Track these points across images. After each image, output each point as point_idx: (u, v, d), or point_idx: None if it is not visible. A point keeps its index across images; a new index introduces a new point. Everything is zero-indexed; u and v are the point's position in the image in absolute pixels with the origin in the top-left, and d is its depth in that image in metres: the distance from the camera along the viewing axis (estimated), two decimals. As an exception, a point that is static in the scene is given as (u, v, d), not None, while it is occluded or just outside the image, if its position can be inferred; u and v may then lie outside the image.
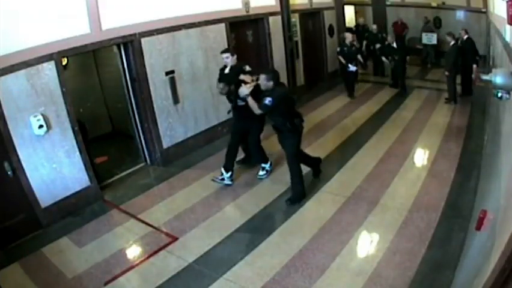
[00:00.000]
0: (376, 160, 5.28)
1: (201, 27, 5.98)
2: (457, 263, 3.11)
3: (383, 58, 9.10)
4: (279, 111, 4.09)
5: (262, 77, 4.03)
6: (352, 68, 8.36)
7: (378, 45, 9.63)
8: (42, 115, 4.05)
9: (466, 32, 7.86)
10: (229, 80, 4.60)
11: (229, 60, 4.80)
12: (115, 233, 4.11)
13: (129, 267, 3.52)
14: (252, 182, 4.93)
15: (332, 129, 6.68)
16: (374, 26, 10.47)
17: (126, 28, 4.87)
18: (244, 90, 4.21)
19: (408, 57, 9.19)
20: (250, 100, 4.16)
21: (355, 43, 8.82)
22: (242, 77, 4.48)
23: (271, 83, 4.00)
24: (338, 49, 8.63)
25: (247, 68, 4.69)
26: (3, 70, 3.71)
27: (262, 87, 4.07)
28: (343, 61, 8.40)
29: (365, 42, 10.49)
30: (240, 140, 4.94)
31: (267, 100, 3.96)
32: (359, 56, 8.64)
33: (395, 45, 8.69)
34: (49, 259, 3.69)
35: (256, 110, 4.12)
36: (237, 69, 4.70)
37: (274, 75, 4.08)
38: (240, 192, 4.73)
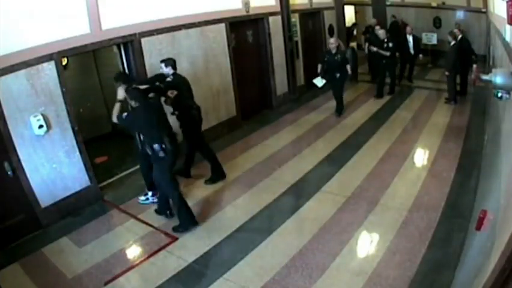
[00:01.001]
0: (376, 160, 5.28)
1: (201, 27, 5.98)
2: (457, 263, 3.11)
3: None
4: (139, 131, 3.88)
5: (128, 93, 3.81)
6: (317, 81, 7.28)
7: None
8: (42, 115, 4.05)
9: (461, 31, 7.86)
10: (146, 83, 4.39)
11: (163, 70, 4.57)
12: (115, 233, 4.11)
13: (129, 267, 3.52)
14: (251, 182, 4.93)
15: (332, 129, 6.67)
16: (378, 27, 9.13)
17: (126, 28, 4.87)
18: (120, 92, 3.95)
19: (421, 56, 9.06)
20: (116, 105, 3.95)
21: (343, 49, 7.67)
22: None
23: (132, 102, 3.76)
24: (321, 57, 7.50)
25: (168, 79, 4.46)
26: (3, 70, 3.71)
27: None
28: (318, 71, 7.33)
29: (366, 45, 9.57)
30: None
31: (124, 114, 3.75)
32: (348, 67, 7.22)
33: (411, 40, 8.58)
34: (49, 259, 3.69)
35: (113, 118, 3.91)
36: (155, 76, 4.67)
37: (137, 94, 3.79)
38: (240, 192, 4.73)
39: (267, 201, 4.43)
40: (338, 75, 7.14)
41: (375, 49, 8.22)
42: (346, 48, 9.64)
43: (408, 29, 9.19)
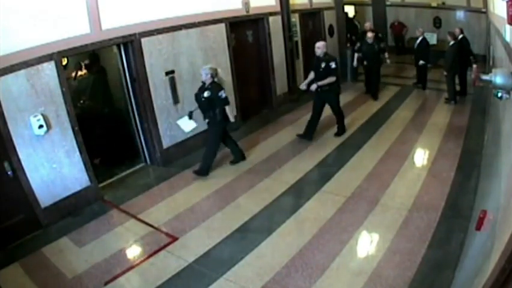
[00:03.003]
0: (376, 160, 5.28)
1: (201, 27, 5.98)
2: (457, 263, 3.11)
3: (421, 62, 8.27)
4: None
5: None
6: (182, 122, 5.21)
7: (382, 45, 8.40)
8: (42, 115, 4.04)
9: (461, 31, 7.85)
10: None
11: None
12: (115, 233, 4.10)
13: (129, 267, 3.52)
14: (251, 182, 4.94)
15: (331, 129, 6.66)
16: (370, 34, 8.04)
17: (126, 28, 4.87)
18: None
19: (429, 65, 8.30)
20: None
21: (220, 76, 5.03)
22: None
23: None
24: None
25: None
26: (3, 70, 3.71)
27: None
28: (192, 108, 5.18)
29: (356, 55, 8.40)
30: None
31: None
32: (227, 108, 4.90)
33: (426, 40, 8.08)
34: (49, 259, 3.69)
35: None
36: None
37: None
38: (240, 192, 4.73)
39: (267, 201, 4.43)
40: (206, 120, 5.03)
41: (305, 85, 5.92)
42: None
43: (417, 31, 8.58)
